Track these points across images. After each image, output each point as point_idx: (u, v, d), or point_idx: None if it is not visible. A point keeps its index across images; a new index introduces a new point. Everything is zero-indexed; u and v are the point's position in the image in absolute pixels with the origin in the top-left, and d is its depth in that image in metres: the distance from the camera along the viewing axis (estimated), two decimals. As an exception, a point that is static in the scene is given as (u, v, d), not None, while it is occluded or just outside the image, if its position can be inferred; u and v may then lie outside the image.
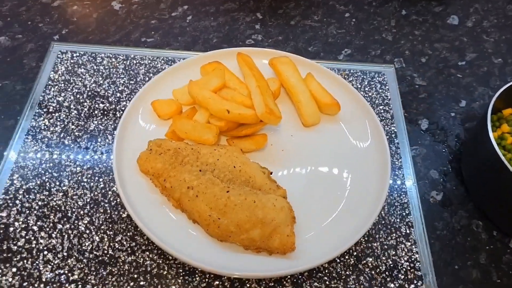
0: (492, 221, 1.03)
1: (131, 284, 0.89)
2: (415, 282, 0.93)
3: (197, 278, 0.91)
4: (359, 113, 1.12)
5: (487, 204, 1.03)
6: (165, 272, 0.91)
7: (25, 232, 0.94)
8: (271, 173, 1.02)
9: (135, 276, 0.90)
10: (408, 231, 1.00)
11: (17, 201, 0.98)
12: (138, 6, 1.44)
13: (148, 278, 0.90)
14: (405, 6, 1.51)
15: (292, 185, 0.99)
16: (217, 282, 0.91)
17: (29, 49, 1.30)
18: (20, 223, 0.95)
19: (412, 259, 0.96)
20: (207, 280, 0.91)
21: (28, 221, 0.96)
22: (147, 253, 0.93)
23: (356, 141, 1.09)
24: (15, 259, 0.91)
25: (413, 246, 0.98)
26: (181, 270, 0.92)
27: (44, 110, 1.14)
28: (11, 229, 0.94)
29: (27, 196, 0.99)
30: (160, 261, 0.92)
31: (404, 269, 0.95)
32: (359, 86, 1.25)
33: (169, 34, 1.37)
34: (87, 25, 1.37)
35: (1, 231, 0.94)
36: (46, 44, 1.31)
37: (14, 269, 0.89)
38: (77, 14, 1.40)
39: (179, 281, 0.90)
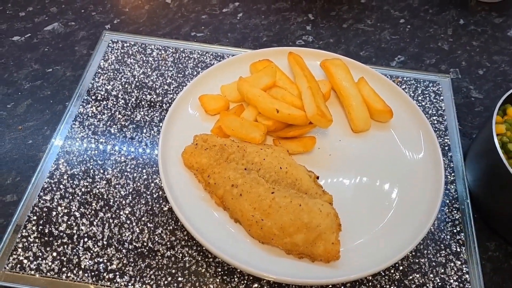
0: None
1: (169, 279, 0.88)
2: (464, 304, 0.88)
3: (236, 279, 0.89)
4: (412, 123, 1.08)
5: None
6: (203, 270, 0.89)
7: (67, 217, 0.94)
8: (317, 178, 0.99)
9: (173, 271, 0.89)
10: (458, 249, 0.94)
11: (61, 186, 0.98)
12: (190, 1, 1.43)
13: (186, 274, 0.88)
14: (463, 16, 1.45)
15: (337, 192, 0.95)
16: (256, 285, 0.88)
17: (81, 37, 1.31)
18: (63, 208, 0.95)
19: (462, 279, 0.91)
20: (245, 281, 0.88)
21: (71, 207, 0.95)
22: (186, 249, 0.91)
23: (408, 150, 1.04)
24: (55, 243, 0.91)
25: (463, 266, 0.92)
26: (219, 269, 0.89)
27: (93, 97, 1.14)
28: (54, 213, 0.94)
29: (71, 181, 0.99)
30: (199, 258, 0.90)
31: (453, 289, 0.89)
32: (412, 94, 1.20)
33: (219, 30, 1.36)
34: (139, 17, 1.37)
35: (44, 214, 0.94)
36: (98, 32, 1.32)
37: (54, 254, 0.89)
38: (129, 5, 1.41)
39: (218, 280, 0.88)
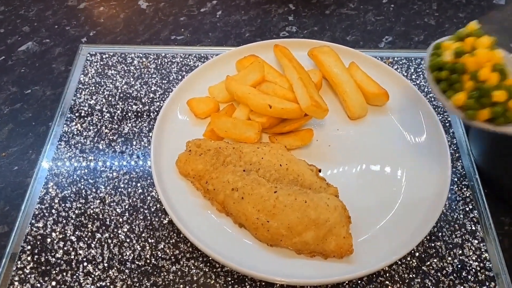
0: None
1: (177, 295, 0.83)
2: (487, 283, 0.84)
3: (248, 287, 0.84)
4: (410, 103, 1.04)
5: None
6: (212, 281, 0.85)
7: (63, 243, 0.89)
8: (319, 171, 0.95)
9: (181, 286, 0.84)
10: (473, 228, 0.91)
11: (53, 210, 0.93)
12: (166, 4, 1.38)
13: (195, 287, 0.84)
14: (446, -12, 1.42)
15: (342, 183, 0.91)
16: (269, 290, 0.84)
17: (57, 53, 1.26)
18: (57, 233, 0.90)
19: (481, 258, 0.87)
20: (258, 288, 0.84)
21: (66, 231, 0.91)
22: (192, 261, 0.87)
23: (409, 132, 1.01)
24: (54, 271, 0.86)
25: (481, 244, 0.89)
26: (229, 279, 0.85)
27: (76, 114, 1.09)
28: (48, 240, 0.89)
29: (63, 204, 0.94)
30: (207, 270, 0.86)
31: (473, 269, 0.86)
32: (405, 74, 1.16)
33: (199, 30, 1.31)
34: (115, 26, 1.32)
35: (38, 243, 0.89)
36: (74, 47, 1.26)
37: (53, 283, 0.84)
38: (104, 15, 1.36)
39: (228, 290, 0.84)
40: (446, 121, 1.07)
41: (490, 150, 0.97)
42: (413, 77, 1.16)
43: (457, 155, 1.01)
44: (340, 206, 0.85)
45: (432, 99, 1.11)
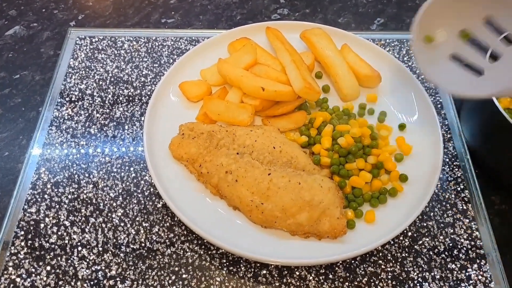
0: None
1: (173, 277, 0.84)
2: (477, 261, 0.86)
3: (243, 268, 0.85)
4: (402, 85, 1.04)
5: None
6: (207, 263, 0.85)
7: (56, 228, 0.89)
8: (312, 153, 0.95)
9: (176, 269, 0.84)
10: (464, 207, 0.92)
11: (46, 196, 0.93)
12: (155, -13, 1.36)
13: (190, 270, 0.84)
14: (437, -30, 1.41)
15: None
16: (264, 271, 0.84)
17: (45, 37, 1.24)
18: (51, 218, 0.90)
19: (472, 237, 0.88)
20: (253, 269, 0.85)
21: (59, 216, 0.90)
22: (187, 244, 0.87)
23: (401, 114, 1.01)
24: (48, 256, 0.85)
25: (472, 223, 0.90)
26: (224, 261, 0.86)
27: (66, 99, 1.08)
28: (42, 225, 0.89)
29: (55, 190, 0.94)
30: (202, 252, 0.86)
31: (464, 248, 0.87)
32: (397, 56, 1.16)
33: (190, 13, 1.30)
34: (104, 9, 1.30)
35: (32, 228, 0.89)
36: (63, 31, 1.24)
37: (48, 268, 0.84)
38: (92, -2, 1.33)
39: (224, 272, 0.84)
40: (438, 103, 1.07)
41: (481, 131, 0.98)
42: (405, 59, 1.16)
43: (448, 136, 1.02)
44: (334, 187, 0.86)
45: (424, 81, 1.11)
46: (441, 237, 0.88)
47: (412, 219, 0.83)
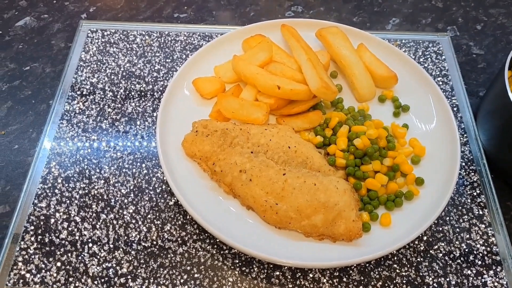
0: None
1: (185, 276, 0.82)
2: (493, 267, 0.85)
3: (255, 269, 0.84)
4: (419, 86, 1.03)
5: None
6: (220, 263, 0.84)
7: (67, 224, 0.88)
8: (327, 154, 0.94)
9: (188, 268, 0.83)
10: (481, 212, 0.91)
11: (56, 190, 0.91)
12: (168, -20, 1.35)
13: (202, 270, 0.83)
14: (453, -29, 1.40)
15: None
16: (277, 273, 0.83)
17: (56, 29, 1.22)
18: (61, 213, 0.89)
19: (488, 243, 0.87)
20: (266, 270, 0.83)
21: (70, 212, 0.89)
22: (199, 243, 0.86)
23: (418, 117, 1.00)
24: (58, 252, 0.84)
25: (488, 229, 0.89)
26: (237, 261, 0.84)
27: (78, 92, 1.06)
28: (52, 220, 0.88)
29: (66, 184, 0.92)
30: (214, 252, 0.85)
31: (480, 254, 0.86)
32: (413, 57, 1.15)
33: (202, 8, 1.28)
34: (116, 2, 1.28)
35: (42, 223, 0.87)
36: (74, 23, 1.23)
37: (58, 264, 0.83)
38: (104, -10, 1.32)
39: (236, 272, 0.83)
40: (454, 105, 1.06)
41: (497, 135, 0.97)
42: (421, 60, 1.14)
43: (464, 139, 1.01)
44: (350, 189, 0.84)
45: (441, 83, 1.09)
46: (457, 242, 0.87)
47: (428, 224, 0.82)
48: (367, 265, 0.84)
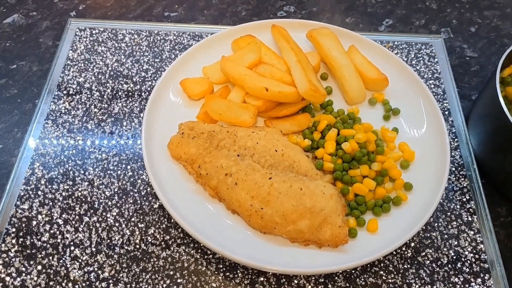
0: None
1: (167, 281, 0.81)
2: (481, 275, 0.83)
3: (240, 274, 0.82)
4: (410, 89, 1.01)
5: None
6: (203, 268, 0.83)
7: (49, 226, 0.86)
8: (315, 158, 0.92)
9: (171, 273, 0.82)
10: (470, 219, 0.90)
11: (39, 192, 0.90)
12: (159, -22, 1.33)
13: (186, 274, 0.82)
14: (448, -29, 1.38)
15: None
16: (261, 278, 0.82)
17: (44, 27, 1.20)
18: (44, 216, 0.87)
19: (477, 250, 0.86)
20: (250, 276, 0.82)
21: (52, 214, 0.87)
22: (183, 247, 0.85)
23: (408, 120, 0.98)
24: (39, 255, 0.83)
25: (477, 235, 0.88)
26: (221, 266, 0.83)
27: (64, 92, 1.04)
28: (34, 222, 0.86)
29: (49, 186, 0.91)
30: (198, 256, 0.84)
31: (468, 261, 0.85)
32: (405, 59, 1.13)
33: (193, 7, 1.26)
34: (105, 0, 1.27)
35: (24, 225, 0.86)
36: (63, 21, 1.21)
37: (39, 267, 0.82)
38: (94, -12, 1.30)
39: (220, 277, 0.82)
40: (446, 109, 1.04)
41: (488, 140, 0.95)
42: (413, 62, 1.13)
43: (455, 144, 0.99)
44: (336, 194, 0.83)
45: (433, 86, 1.08)
46: (445, 249, 0.86)
47: (416, 230, 0.81)
48: (353, 271, 0.83)
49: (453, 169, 0.96)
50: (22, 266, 0.82)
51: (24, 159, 0.94)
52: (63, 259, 0.82)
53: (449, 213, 0.90)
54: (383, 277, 0.83)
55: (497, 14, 1.27)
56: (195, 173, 0.88)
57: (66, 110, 1.02)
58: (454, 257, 0.85)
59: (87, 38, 1.14)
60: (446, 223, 0.89)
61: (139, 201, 0.90)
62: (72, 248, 0.84)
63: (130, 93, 1.05)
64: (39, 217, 0.87)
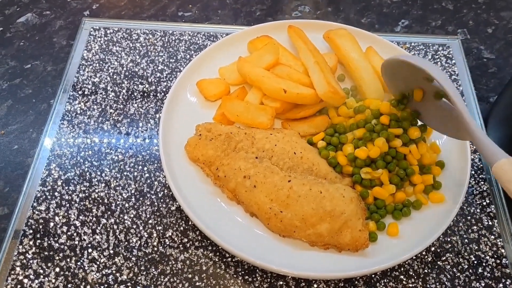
0: None
1: (186, 284, 0.80)
2: (503, 280, 0.82)
3: (259, 278, 0.82)
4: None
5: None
6: (222, 271, 0.82)
7: (66, 228, 0.86)
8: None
9: (190, 276, 0.81)
10: (490, 223, 0.89)
11: (56, 193, 0.89)
12: (173, -22, 1.32)
13: (204, 278, 0.81)
14: (464, -28, 1.37)
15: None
16: (281, 282, 0.81)
17: (58, 27, 1.20)
18: (61, 217, 0.87)
19: (498, 254, 0.85)
20: (269, 279, 0.81)
21: (69, 215, 0.87)
22: (201, 250, 0.84)
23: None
24: (57, 257, 0.82)
25: (498, 240, 0.87)
26: (239, 269, 0.82)
27: (79, 92, 1.04)
28: (51, 224, 0.86)
29: (66, 187, 0.90)
30: (216, 259, 0.83)
31: (489, 266, 0.84)
32: (422, 60, 1.12)
33: (208, 7, 1.25)
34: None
35: (41, 227, 0.85)
36: (77, 20, 1.20)
37: (57, 269, 0.81)
38: (107, -13, 1.29)
39: (239, 281, 0.81)
40: (464, 111, 1.03)
41: (508, 142, 0.94)
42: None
43: (474, 147, 0.98)
44: (356, 198, 0.82)
45: (450, 88, 1.07)
46: (466, 254, 0.85)
47: (437, 235, 0.80)
48: (373, 276, 0.82)
49: (473, 172, 0.95)
50: (40, 268, 0.81)
51: (40, 160, 0.94)
52: (81, 261, 0.82)
53: (469, 217, 0.89)
54: (403, 282, 0.82)
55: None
56: (213, 175, 0.87)
57: (81, 111, 1.01)
58: (475, 262, 0.84)
59: (101, 38, 1.14)
60: (467, 227, 0.88)
61: (156, 203, 0.89)
62: (90, 250, 0.83)
63: (145, 94, 1.04)
64: (56, 218, 0.87)
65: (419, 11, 1.26)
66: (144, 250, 0.84)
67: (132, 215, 0.87)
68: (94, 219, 0.87)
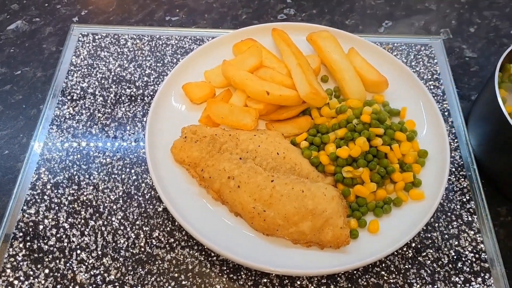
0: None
1: (172, 283, 0.82)
2: (481, 274, 0.84)
3: (243, 276, 0.84)
4: (409, 91, 1.02)
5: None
6: (207, 270, 0.84)
7: (55, 230, 0.88)
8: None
9: (176, 275, 0.83)
10: (470, 219, 0.91)
11: (45, 197, 0.92)
12: (160, -17, 1.34)
13: (190, 276, 0.83)
14: (447, -28, 1.39)
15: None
16: (265, 280, 0.83)
17: (48, 33, 1.22)
18: (50, 220, 0.89)
19: (477, 249, 0.87)
20: (254, 277, 0.84)
21: (58, 218, 0.89)
22: (187, 249, 0.86)
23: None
24: (46, 259, 0.84)
25: (477, 235, 0.89)
26: (225, 268, 0.84)
27: (68, 97, 1.06)
28: (41, 227, 0.88)
29: (55, 191, 0.92)
30: (202, 258, 0.85)
31: (469, 260, 0.86)
32: (405, 60, 1.14)
33: (194, 11, 1.27)
34: (108, 5, 1.28)
35: (31, 229, 0.87)
36: (66, 27, 1.23)
37: (46, 270, 0.83)
38: (96, -7, 1.31)
39: (224, 279, 0.83)
40: (445, 110, 1.05)
41: (488, 140, 0.96)
42: (413, 63, 1.14)
43: (455, 144, 1.00)
44: (338, 196, 0.84)
45: (432, 87, 1.09)
46: (445, 249, 0.87)
47: (416, 231, 0.82)
48: (355, 272, 0.84)
49: (453, 169, 0.97)
50: (29, 269, 0.83)
51: (30, 164, 0.96)
52: (70, 262, 0.84)
53: (449, 213, 0.91)
54: (385, 277, 0.84)
55: (496, 14, 1.28)
56: (198, 176, 0.89)
57: (70, 115, 1.03)
58: (455, 257, 0.86)
59: (90, 44, 1.16)
60: (447, 223, 0.90)
61: (143, 205, 0.91)
62: (78, 251, 0.85)
63: (133, 98, 1.06)
64: (46, 221, 0.89)
65: (402, 12, 1.28)
66: (131, 250, 0.86)
67: (119, 217, 0.89)
68: (83, 221, 0.89)
